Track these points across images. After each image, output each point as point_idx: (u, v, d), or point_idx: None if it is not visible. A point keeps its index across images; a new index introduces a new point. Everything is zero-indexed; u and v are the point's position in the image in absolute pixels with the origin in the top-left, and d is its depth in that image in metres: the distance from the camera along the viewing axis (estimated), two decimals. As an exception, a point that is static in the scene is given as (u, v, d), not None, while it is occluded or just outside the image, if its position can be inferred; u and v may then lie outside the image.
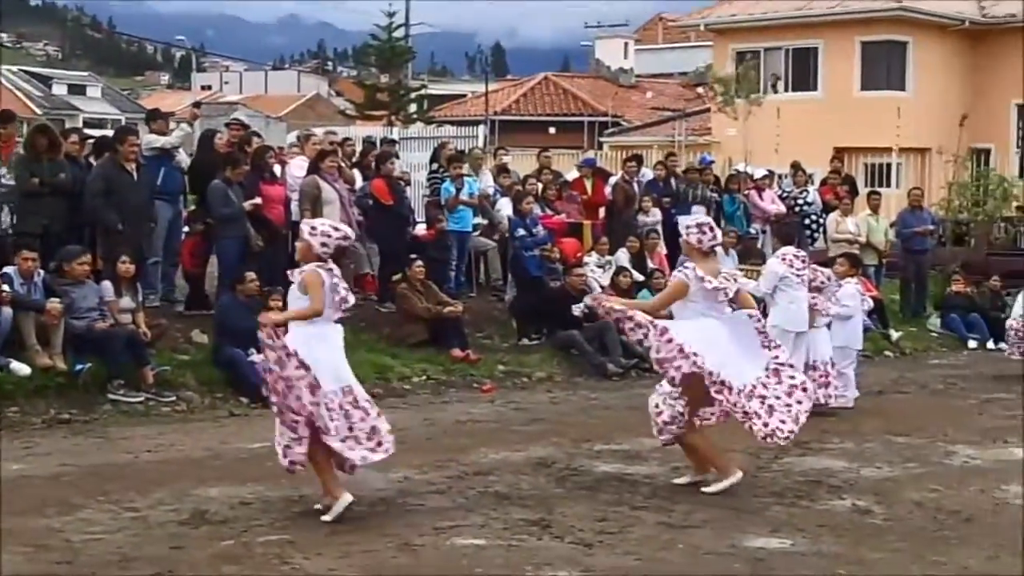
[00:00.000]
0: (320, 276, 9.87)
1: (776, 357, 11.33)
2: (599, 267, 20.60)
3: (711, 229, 11.40)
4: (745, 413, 10.94)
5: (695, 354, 10.77)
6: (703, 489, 10.99)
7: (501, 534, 9.62)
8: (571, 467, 11.99)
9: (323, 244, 9.94)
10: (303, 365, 9.52)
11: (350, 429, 9.84)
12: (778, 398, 11.06)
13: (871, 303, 19.45)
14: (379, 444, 10.01)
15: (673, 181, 23.88)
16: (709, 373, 10.75)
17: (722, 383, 10.90)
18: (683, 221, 12.56)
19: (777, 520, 10.26)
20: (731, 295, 11.12)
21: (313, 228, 10.14)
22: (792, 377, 11.33)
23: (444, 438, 13.60)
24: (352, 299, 10.53)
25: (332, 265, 10.08)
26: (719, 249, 20.96)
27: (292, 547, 9.11)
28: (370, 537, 9.48)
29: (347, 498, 9.75)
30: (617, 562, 8.95)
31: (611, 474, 11.55)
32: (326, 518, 9.74)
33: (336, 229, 10.22)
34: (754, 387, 10.94)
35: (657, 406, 11.19)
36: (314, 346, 9.76)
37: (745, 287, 14.94)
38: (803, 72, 38.74)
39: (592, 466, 12.02)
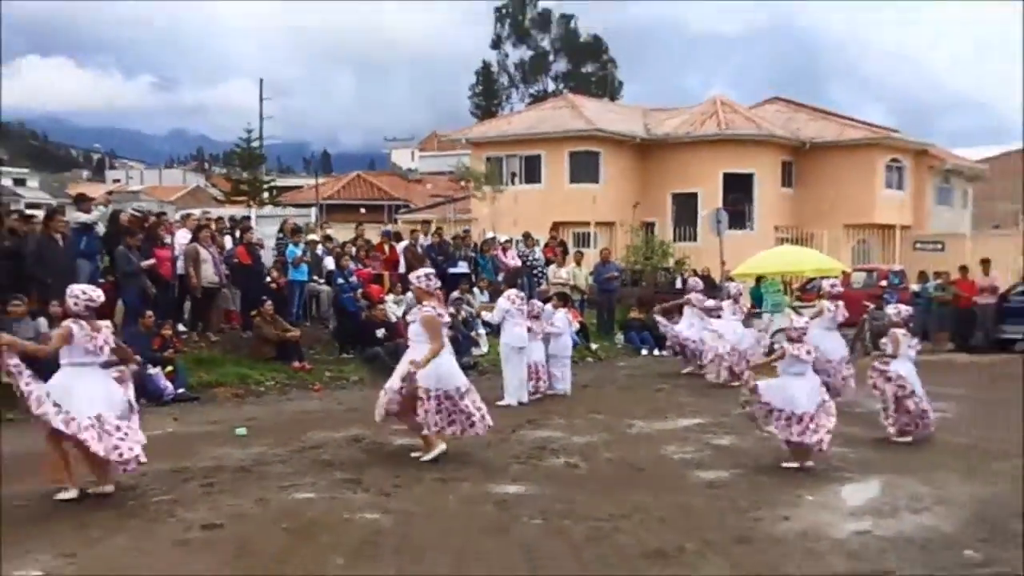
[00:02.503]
0: (69, 329, 9.08)
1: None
2: (395, 303, 20.54)
3: (432, 278, 11.45)
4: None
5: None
6: (421, 457, 10.82)
7: (327, 489, 9.60)
8: (375, 442, 11.89)
9: (75, 304, 9.24)
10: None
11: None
12: None
13: (578, 325, 19.83)
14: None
15: (444, 244, 23.98)
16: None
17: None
18: (413, 274, 12.49)
19: (516, 473, 10.39)
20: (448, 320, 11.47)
21: (71, 292, 9.39)
22: None
23: (287, 424, 13.40)
24: (108, 347, 9.38)
25: (83, 322, 9.20)
26: (476, 290, 21.18)
27: (176, 504, 8.93)
28: (234, 494, 9.37)
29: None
30: (408, 507, 8.96)
31: (404, 446, 11.39)
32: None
33: (84, 292, 9.37)
34: None
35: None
36: (71, 381, 9.06)
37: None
38: (533, 171, 38.99)
39: (390, 441, 11.87)
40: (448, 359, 11.01)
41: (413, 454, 10.93)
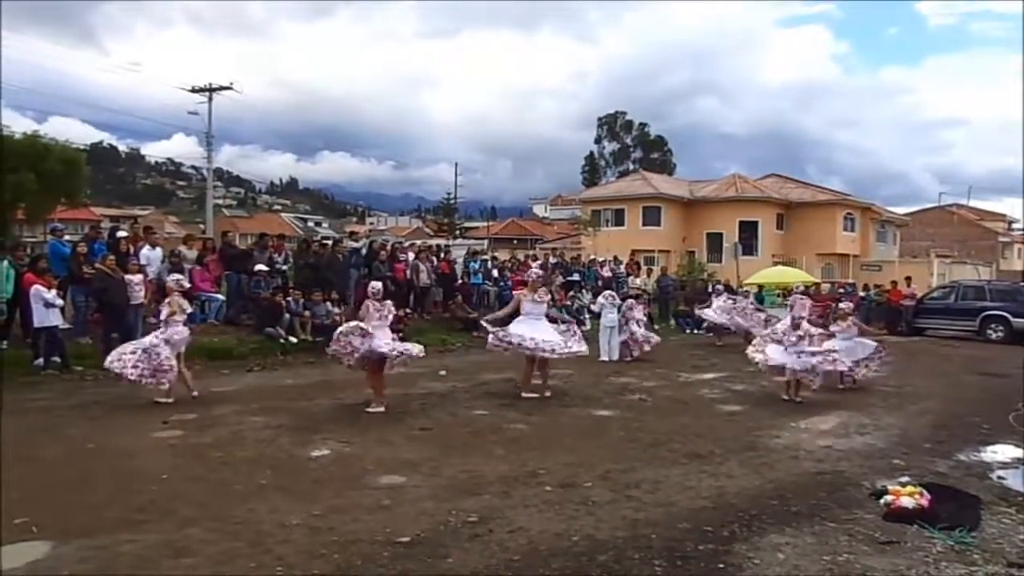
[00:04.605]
0: (368, 307, 9.06)
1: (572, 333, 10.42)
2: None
3: (537, 277, 11.05)
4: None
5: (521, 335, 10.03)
6: (522, 393, 10.28)
7: (492, 409, 9.54)
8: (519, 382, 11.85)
9: (372, 292, 9.27)
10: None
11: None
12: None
13: (647, 313, 19.38)
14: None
15: (565, 263, 23.87)
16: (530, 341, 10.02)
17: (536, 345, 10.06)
18: (531, 269, 12.09)
19: (609, 403, 10.19)
20: (544, 302, 10.43)
21: (371, 286, 9.45)
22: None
23: (468, 369, 13.39)
24: (391, 316, 9.28)
25: (378, 302, 9.14)
26: (583, 291, 20.52)
27: (405, 414, 9.03)
28: (438, 410, 9.40)
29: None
30: (540, 420, 8.89)
31: (535, 386, 11.21)
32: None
33: (376, 286, 9.40)
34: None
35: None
36: (375, 333, 8.89)
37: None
38: (620, 219, 38.35)
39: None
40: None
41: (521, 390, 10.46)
